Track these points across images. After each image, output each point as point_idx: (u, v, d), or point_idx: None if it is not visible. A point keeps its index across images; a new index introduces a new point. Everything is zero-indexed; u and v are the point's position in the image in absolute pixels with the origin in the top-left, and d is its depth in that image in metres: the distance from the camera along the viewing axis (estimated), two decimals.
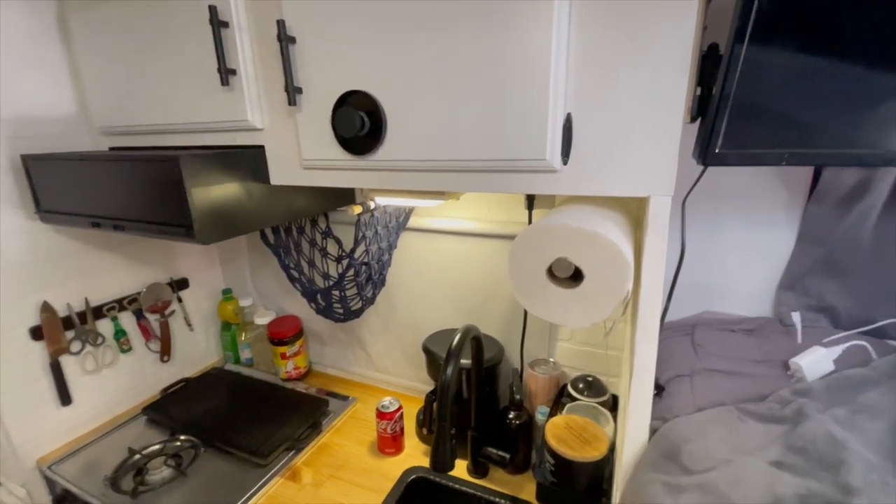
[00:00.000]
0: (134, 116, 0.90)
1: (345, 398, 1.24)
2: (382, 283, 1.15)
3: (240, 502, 0.90)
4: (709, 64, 0.54)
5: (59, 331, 1.05)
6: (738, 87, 0.51)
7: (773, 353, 0.70)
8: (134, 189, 0.77)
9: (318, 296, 1.17)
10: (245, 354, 1.41)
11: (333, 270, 1.16)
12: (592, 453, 0.73)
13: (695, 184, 0.65)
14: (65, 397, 1.08)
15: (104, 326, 1.14)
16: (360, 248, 1.04)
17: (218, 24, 0.70)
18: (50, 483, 1.05)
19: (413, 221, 1.08)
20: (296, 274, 1.17)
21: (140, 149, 0.93)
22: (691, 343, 0.76)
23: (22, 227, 0.97)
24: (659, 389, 0.64)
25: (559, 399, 0.95)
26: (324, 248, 1.16)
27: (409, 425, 1.10)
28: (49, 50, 0.98)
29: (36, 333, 1.01)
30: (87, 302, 1.10)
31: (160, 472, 0.98)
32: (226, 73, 0.73)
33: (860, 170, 0.72)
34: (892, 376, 0.55)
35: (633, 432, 0.52)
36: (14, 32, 0.92)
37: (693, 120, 0.57)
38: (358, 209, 0.89)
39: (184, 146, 0.87)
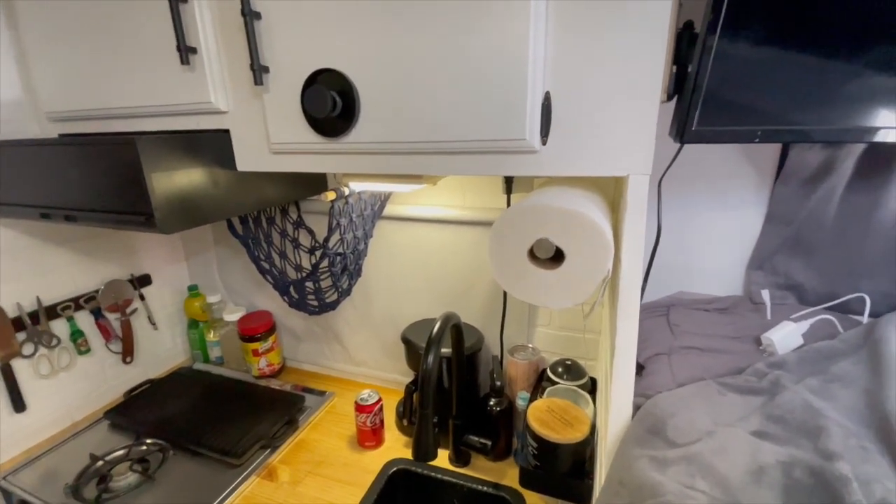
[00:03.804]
0: (86, 100, 0.84)
1: (322, 393, 1.21)
2: (358, 273, 1.12)
3: (214, 502, 0.87)
4: (684, 42, 0.55)
5: (10, 332, 0.98)
6: (712, 70, 0.52)
7: (746, 330, 0.72)
8: (87, 176, 0.71)
9: (291, 288, 1.13)
10: (215, 353, 1.36)
11: (306, 262, 1.13)
12: (575, 434, 0.73)
13: (671, 163, 0.65)
14: (18, 404, 1.01)
15: (59, 327, 1.07)
16: (335, 237, 1.00)
17: None
18: (6, 494, 0.98)
19: (389, 209, 1.06)
20: (266, 266, 1.13)
21: (93, 135, 0.87)
22: (667, 323, 0.78)
23: None
24: (638, 368, 0.64)
25: (539, 384, 0.95)
26: (296, 238, 1.12)
27: (389, 418, 1.08)
28: None
29: None
30: (38, 301, 1.03)
31: (125, 477, 0.93)
32: (186, 52, 0.68)
33: (824, 150, 0.74)
34: (860, 347, 0.57)
35: (616, 410, 0.52)
36: None
37: (669, 98, 0.58)
38: (331, 195, 0.86)
39: (141, 132, 0.81)
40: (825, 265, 0.78)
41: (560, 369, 0.94)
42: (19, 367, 1.01)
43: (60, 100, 0.87)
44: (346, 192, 0.91)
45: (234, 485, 0.91)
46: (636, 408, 0.52)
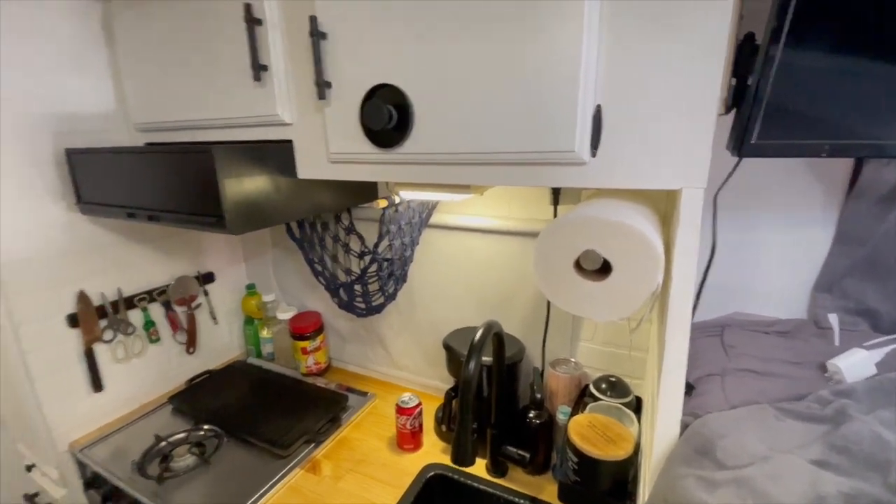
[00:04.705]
0: (169, 113, 0.93)
1: (364, 394, 1.25)
2: (404, 278, 1.16)
3: (262, 490, 0.91)
4: (745, 54, 0.53)
5: (94, 320, 1.09)
6: (774, 81, 0.50)
7: (809, 355, 0.67)
8: (168, 181, 0.79)
9: (341, 290, 1.18)
10: (267, 349, 1.43)
11: (355, 266, 1.18)
12: (618, 452, 0.71)
13: (727, 177, 0.63)
14: (97, 384, 1.11)
15: (135, 317, 1.17)
16: (384, 243, 1.04)
17: (252, 21, 0.72)
18: (81, 466, 1.08)
19: (435, 218, 1.08)
20: (319, 268, 1.19)
21: (174, 144, 0.96)
22: (721, 343, 0.74)
23: (63, 219, 1.01)
24: (689, 388, 0.62)
25: (581, 399, 0.93)
26: (346, 243, 1.17)
27: (428, 423, 1.10)
28: (93, 51, 1.02)
29: (72, 321, 1.05)
30: (119, 292, 1.13)
31: (184, 459, 1.00)
32: (258, 70, 0.75)
33: None
34: None
35: (663, 428, 0.51)
36: (63, 36, 0.98)
37: (728, 111, 0.56)
38: (383, 203, 0.89)
39: (216, 141, 0.89)
40: None
41: (604, 385, 0.91)
42: (99, 350, 1.11)
43: (147, 112, 0.97)
44: (397, 200, 0.94)
45: (280, 474, 0.96)
46: (684, 427, 0.50)
